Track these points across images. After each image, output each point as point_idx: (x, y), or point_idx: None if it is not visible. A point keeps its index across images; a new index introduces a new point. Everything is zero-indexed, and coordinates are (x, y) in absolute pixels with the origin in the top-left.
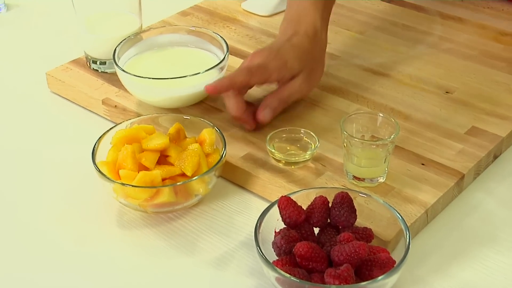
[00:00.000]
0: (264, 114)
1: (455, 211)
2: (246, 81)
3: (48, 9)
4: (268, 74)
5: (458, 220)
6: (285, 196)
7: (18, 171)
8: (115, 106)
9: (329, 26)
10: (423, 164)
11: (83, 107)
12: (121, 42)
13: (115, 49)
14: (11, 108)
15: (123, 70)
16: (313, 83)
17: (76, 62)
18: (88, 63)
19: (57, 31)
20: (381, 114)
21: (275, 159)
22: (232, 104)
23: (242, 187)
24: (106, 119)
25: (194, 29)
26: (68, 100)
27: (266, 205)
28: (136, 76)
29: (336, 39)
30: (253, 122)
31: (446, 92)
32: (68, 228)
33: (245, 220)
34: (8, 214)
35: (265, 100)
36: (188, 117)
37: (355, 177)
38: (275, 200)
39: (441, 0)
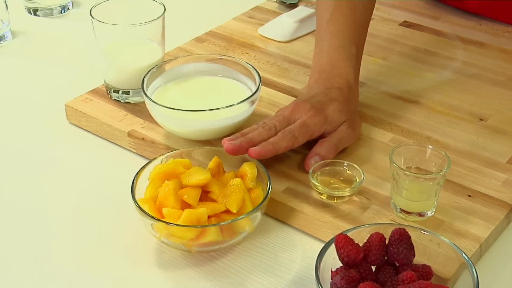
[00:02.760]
0: (312, 162)
1: (506, 243)
2: (290, 147)
3: (54, 36)
4: (311, 133)
5: (510, 252)
6: (342, 234)
7: (43, 209)
8: (143, 138)
9: None
10: (469, 196)
11: (105, 139)
12: (149, 71)
13: (143, 79)
14: (28, 142)
15: (153, 102)
16: (357, 131)
17: (95, 92)
18: (108, 93)
19: (67, 60)
20: (430, 146)
21: (317, 192)
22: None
23: (283, 222)
24: (131, 151)
25: (222, 57)
26: (89, 132)
27: (311, 241)
28: (169, 108)
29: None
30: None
31: (480, 120)
32: (104, 270)
33: (291, 257)
34: (36, 255)
35: (314, 148)
36: None
37: (403, 211)
38: (321, 235)
39: (460, 24)
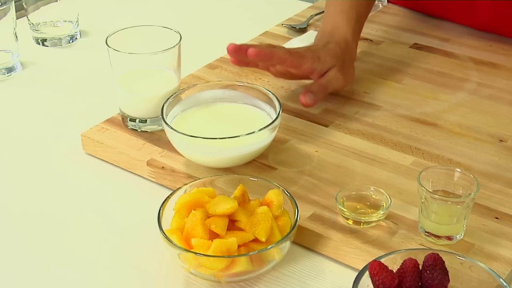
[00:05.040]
0: (306, 98)
1: None
2: (283, 59)
3: (64, 66)
4: (302, 61)
5: None
6: (376, 260)
7: (66, 243)
8: (162, 167)
9: (364, 75)
10: (497, 218)
11: (123, 168)
12: (167, 99)
13: (162, 107)
14: (45, 174)
15: (174, 130)
16: (347, 78)
17: (110, 121)
18: (124, 122)
19: (78, 89)
20: (458, 169)
21: (344, 217)
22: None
23: (310, 249)
24: (150, 180)
25: (241, 84)
26: (105, 161)
27: (340, 267)
28: (191, 136)
29: (375, 88)
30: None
31: (500, 141)
32: None
33: (320, 285)
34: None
35: (306, 86)
36: (255, 179)
37: (432, 235)
38: (349, 262)
39: (470, 45)
